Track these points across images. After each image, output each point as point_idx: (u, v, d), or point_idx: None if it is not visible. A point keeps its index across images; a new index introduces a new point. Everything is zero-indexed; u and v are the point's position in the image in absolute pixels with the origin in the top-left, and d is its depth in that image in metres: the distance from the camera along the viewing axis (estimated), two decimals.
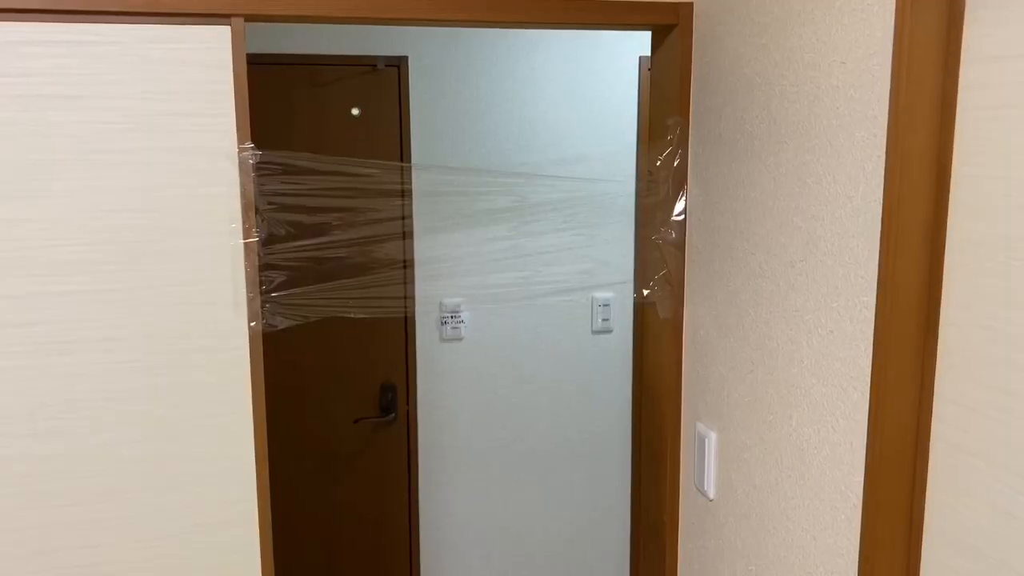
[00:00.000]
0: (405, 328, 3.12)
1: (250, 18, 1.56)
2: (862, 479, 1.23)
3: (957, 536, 1.12)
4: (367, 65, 2.89)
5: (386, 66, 2.89)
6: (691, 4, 1.73)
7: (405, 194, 1.82)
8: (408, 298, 1.71)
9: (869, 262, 1.20)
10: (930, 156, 1.11)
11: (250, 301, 1.62)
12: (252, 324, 1.62)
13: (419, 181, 2.66)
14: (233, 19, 1.55)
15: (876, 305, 1.18)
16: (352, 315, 1.70)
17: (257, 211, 1.60)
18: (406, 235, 2.71)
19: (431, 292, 2.79)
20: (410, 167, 2.78)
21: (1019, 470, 1.01)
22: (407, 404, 3.18)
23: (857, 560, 1.25)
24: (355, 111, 2.91)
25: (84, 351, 1.58)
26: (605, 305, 3.29)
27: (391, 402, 3.14)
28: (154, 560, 1.67)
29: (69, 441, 1.59)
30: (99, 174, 1.54)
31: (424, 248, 2.48)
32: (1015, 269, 1.01)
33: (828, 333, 1.31)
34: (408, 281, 1.82)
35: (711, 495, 1.73)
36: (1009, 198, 1.01)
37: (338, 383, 3.13)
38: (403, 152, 2.93)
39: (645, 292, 1.87)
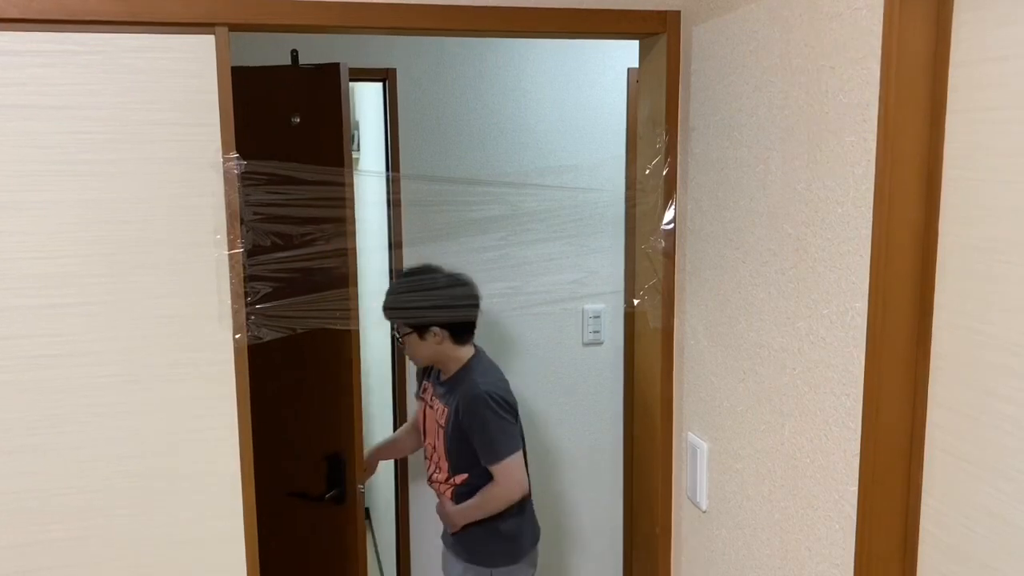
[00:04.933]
0: (393, 347, 3.10)
1: (234, 27, 1.55)
2: (856, 488, 1.22)
3: (952, 543, 1.10)
4: (356, 78, 2.88)
5: (374, 78, 2.88)
6: (678, 13, 1.72)
7: (394, 204, 1.81)
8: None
9: (860, 268, 1.19)
10: (920, 160, 1.10)
11: (235, 313, 1.59)
12: (237, 336, 1.60)
13: (407, 191, 2.64)
14: (217, 28, 1.53)
15: (868, 311, 1.17)
16: (339, 327, 1.68)
17: (242, 221, 1.58)
18: (395, 246, 2.69)
19: None
20: (398, 177, 2.77)
21: (1013, 475, 1.00)
22: (395, 423, 3.15)
23: (852, 570, 1.23)
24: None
25: (67, 365, 1.55)
26: (596, 317, 3.27)
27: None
28: None
29: (51, 457, 1.57)
30: (82, 185, 1.52)
31: (413, 258, 2.46)
32: (1006, 272, 1.00)
33: (820, 340, 1.29)
34: None
35: (704, 506, 1.71)
36: (999, 201, 1.00)
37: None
38: (392, 163, 2.92)
39: (635, 301, 1.85)
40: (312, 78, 2.58)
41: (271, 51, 2.80)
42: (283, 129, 2.69)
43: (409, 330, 2.40)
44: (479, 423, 2.35)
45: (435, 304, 2.32)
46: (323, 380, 2.44)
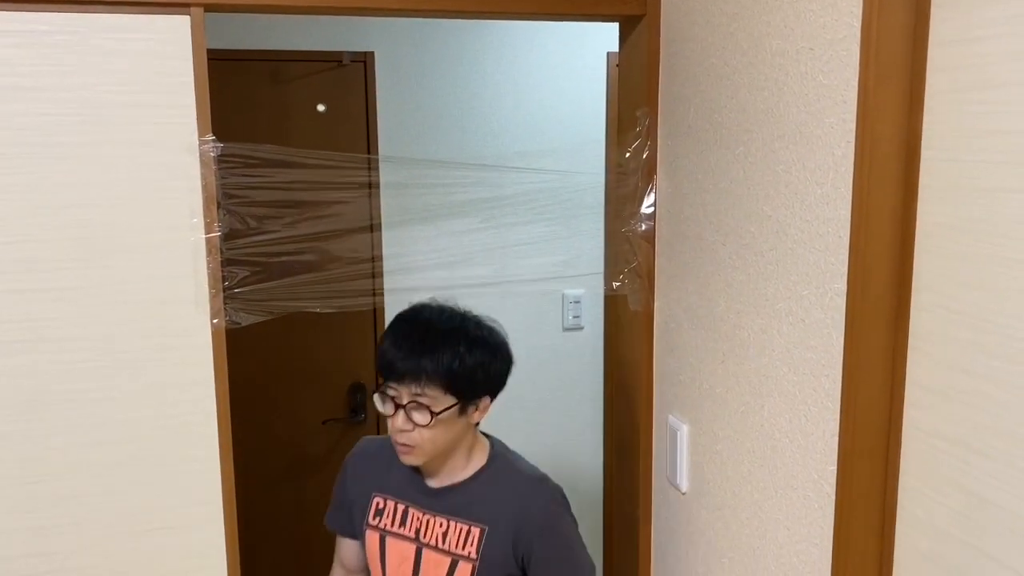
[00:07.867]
0: (374, 326, 3.08)
1: (210, 8, 1.53)
2: (835, 468, 1.23)
3: (931, 522, 1.11)
4: (333, 61, 2.85)
5: (352, 61, 2.86)
6: None
7: (372, 187, 1.79)
8: (376, 293, 1.70)
9: (839, 249, 1.19)
10: (899, 141, 1.11)
11: (212, 297, 1.58)
12: (215, 321, 1.59)
13: (386, 174, 2.63)
14: (192, 8, 1.51)
15: (847, 292, 1.17)
16: (318, 310, 1.67)
17: (219, 205, 1.57)
18: (373, 228, 2.68)
19: (399, 286, 2.76)
20: (376, 159, 2.75)
21: (990, 454, 1.01)
22: None
23: (831, 549, 1.24)
24: (321, 107, 2.87)
25: (42, 351, 1.53)
26: (576, 302, 3.27)
27: (360, 403, 3.10)
28: (115, 567, 1.62)
29: (26, 445, 1.55)
30: (54, 168, 1.49)
31: (392, 241, 2.45)
32: (982, 252, 1.00)
33: (799, 321, 1.30)
34: (376, 275, 1.79)
35: (684, 488, 1.72)
36: (975, 181, 1.01)
37: (306, 383, 3.08)
38: (370, 148, 2.90)
39: (615, 284, 1.85)
40: (340, 66, 2.69)
41: (246, 34, 2.77)
42: (309, 117, 2.75)
43: (454, 401, 1.54)
44: (562, 544, 1.61)
45: (491, 366, 1.61)
46: (349, 321, 2.90)
